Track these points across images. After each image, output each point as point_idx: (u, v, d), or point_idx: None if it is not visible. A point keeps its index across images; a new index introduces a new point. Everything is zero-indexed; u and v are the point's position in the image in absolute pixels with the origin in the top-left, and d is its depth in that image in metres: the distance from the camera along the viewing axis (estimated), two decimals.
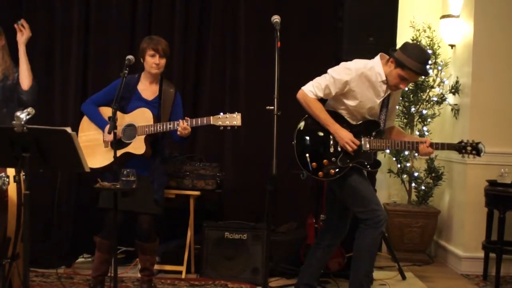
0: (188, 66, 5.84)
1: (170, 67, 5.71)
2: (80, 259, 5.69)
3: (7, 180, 4.25)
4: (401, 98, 6.25)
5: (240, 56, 5.78)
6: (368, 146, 4.29)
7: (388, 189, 6.68)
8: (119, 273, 4.21)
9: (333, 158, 4.30)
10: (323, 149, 4.33)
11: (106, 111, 4.54)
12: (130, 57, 4.32)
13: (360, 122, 4.33)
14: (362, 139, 4.30)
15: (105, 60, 5.72)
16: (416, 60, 4.10)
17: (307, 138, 4.36)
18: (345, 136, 4.25)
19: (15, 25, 4.53)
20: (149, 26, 5.77)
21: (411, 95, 6.24)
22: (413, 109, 6.27)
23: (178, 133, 4.36)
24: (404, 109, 6.29)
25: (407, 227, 6.19)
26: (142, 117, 4.42)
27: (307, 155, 4.30)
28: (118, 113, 4.45)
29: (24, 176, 3.63)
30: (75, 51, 5.71)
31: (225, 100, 5.81)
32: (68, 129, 3.39)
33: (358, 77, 4.21)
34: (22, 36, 4.54)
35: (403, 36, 6.09)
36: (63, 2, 5.73)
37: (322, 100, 4.35)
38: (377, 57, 4.31)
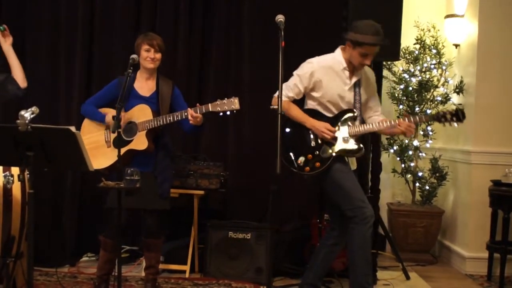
0: (192, 65, 5.84)
1: (174, 65, 5.75)
2: (84, 258, 5.69)
3: (12, 179, 4.27)
4: (405, 98, 6.25)
5: (244, 55, 5.79)
6: (346, 133, 4.36)
7: (392, 189, 6.68)
8: (123, 272, 4.22)
9: (316, 152, 4.37)
10: (305, 145, 4.40)
11: (105, 112, 4.54)
12: (134, 56, 4.31)
13: (335, 113, 4.41)
14: (340, 127, 4.37)
15: (109, 58, 5.73)
16: (368, 33, 4.23)
17: (288, 137, 4.44)
18: (320, 126, 4.34)
19: None
20: (153, 24, 5.77)
21: (415, 95, 6.23)
22: (417, 108, 6.26)
23: (190, 122, 4.37)
24: (408, 109, 6.28)
25: (411, 227, 6.18)
26: (141, 113, 4.43)
27: (291, 153, 4.38)
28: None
29: (28, 175, 3.64)
30: (79, 50, 5.72)
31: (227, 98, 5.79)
32: (72, 128, 3.40)
33: (321, 68, 4.36)
34: (6, 42, 4.55)
35: (408, 35, 6.11)
36: (68, 5, 5.75)
37: (300, 102, 4.47)
38: (338, 49, 4.45)
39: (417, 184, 6.37)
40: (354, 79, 4.40)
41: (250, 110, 5.61)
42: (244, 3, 5.79)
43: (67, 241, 5.58)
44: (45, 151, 3.40)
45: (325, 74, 4.37)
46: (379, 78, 5.56)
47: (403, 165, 6.36)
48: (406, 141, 6.30)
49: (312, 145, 4.39)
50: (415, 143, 6.29)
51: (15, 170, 4.27)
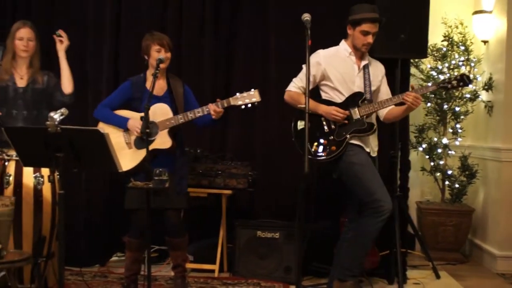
0: (218, 65, 5.85)
1: (200, 65, 5.76)
2: (114, 258, 5.74)
3: (42, 180, 4.33)
4: (433, 95, 6.20)
5: (270, 54, 5.77)
6: (357, 113, 4.46)
7: (421, 187, 6.62)
8: (152, 272, 4.24)
9: (330, 136, 4.48)
10: (319, 132, 4.51)
11: (120, 114, 4.56)
12: (161, 57, 4.35)
13: (345, 97, 4.53)
14: (351, 110, 4.47)
15: (135, 58, 5.75)
16: (365, 11, 4.45)
17: (300, 129, 4.55)
18: (330, 109, 4.47)
19: (54, 36, 4.66)
20: (180, 25, 5.80)
21: (444, 92, 6.18)
22: (445, 106, 6.21)
23: (213, 117, 4.39)
24: (436, 106, 6.23)
25: (441, 225, 6.13)
26: (160, 112, 4.44)
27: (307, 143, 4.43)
28: (133, 113, 4.49)
29: (58, 176, 3.68)
30: (106, 50, 5.77)
31: None
32: (101, 129, 3.43)
33: (326, 57, 4.54)
34: (62, 45, 4.68)
35: (435, 32, 6.06)
36: (95, 4, 5.80)
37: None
38: (341, 42, 4.65)
39: (447, 182, 6.31)
40: (362, 63, 4.55)
41: (277, 109, 5.60)
42: (269, 1, 5.78)
43: (96, 241, 5.62)
44: (74, 152, 3.44)
45: (332, 61, 4.53)
46: (407, 76, 5.54)
47: (432, 163, 6.30)
48: (435, 139, 6.25)
49: (326, 130, 4.51)
50: (444, 141, 6.23)
51: (45, 171, 4.33)
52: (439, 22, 6.24)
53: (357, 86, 4.52)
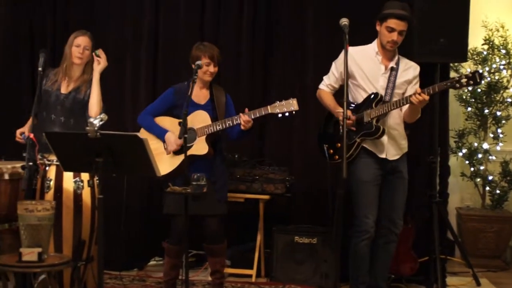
0: (255, 70, 5.86)
1: (238, 71, 5.78)
2: (152, 262, 5.78)
3: (82, 184, 4.38)
4: (473, 100, 6.11)
5: (308, 59, 5.76)
6: (368, 117, 4.42)
7: (461, 193, 6.52)
8: (190, 277, 4.26)
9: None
10: (335, 134, 4.54)
11: (161, 121, 4.59)
12: (199, 62, 4.37)
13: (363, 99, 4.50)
14: (364, 112, 4.43)
15: (173, 65, 5.80)
16: (392, 8, 4.37)
17: (323, 131, 4.70)
18: (339, 116, 4.38)
19: (93, 54, 4.62)
20: (217, 32, 5.83)
21: (484, 97, 6.09)
22: (486, 110, 6.12)
23: (242, 127, 4.39)
24: (477, 111, 6.14)
25: (481, 232, 6.03)
26: (200, 119, 4.46)
27: (325, 145, 4.58)
28: (174, 120, 4.53)
29: (97, 181, 3.72)
30: (144, 58, 5.84)
31: None
32: (140, 135, 3.46)
33: (354, 53, 4.46)
34: (98, 65, 4.60)
35: (475, 36, 5.96)
36: (134, 12, 5.88)
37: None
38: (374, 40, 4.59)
39: (487, 188, 6.22)
40: (389, 64, 4.47)
41: (315, 115, 5.57)
42: (307, 7, 5.76)
43: (135, 245, 5.67)
44: (113, 157, 3.47)
45: (358, 58, 4.47)
46: (446, 80, 5.47)
47: (472, 169, 6.21)
48: (476, 144, 6.16)
49: (340, 133, 4.44)
50: (485, 146, 6.14)
51: (85, 176, 4.38)
52: (479, 25, 6.15)
53: (380, 86, 4.46)
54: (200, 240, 4.75)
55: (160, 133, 4.54)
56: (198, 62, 4.35)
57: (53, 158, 4.29)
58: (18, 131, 4.59)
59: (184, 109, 4.05)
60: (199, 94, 4.58)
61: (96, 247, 4.05)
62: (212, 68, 4.50)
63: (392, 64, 4.48)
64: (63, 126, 4.54)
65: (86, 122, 4.67)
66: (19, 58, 5.96)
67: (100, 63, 4.60)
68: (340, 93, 4.60)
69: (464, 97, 6.17)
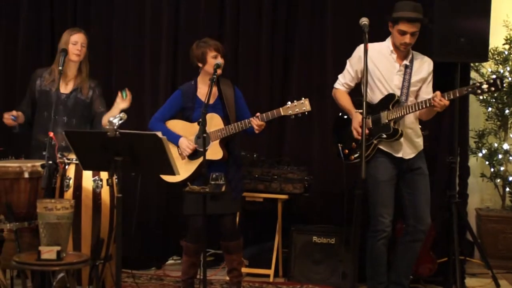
0: (275, 70, 5.85)
1: (258, 69, 5.78)
2: (169, 261, 5.80)
3: (101, 183, 4.40)
4: (494, 100, 6.07)
5: (328, 59, 5.74)
6: (386, 118, 4.38)
7: (480, 194, 6.47)
8: (208, 276, 4.27)
9: (359, 141, 4.40)
10: (350, 134, 4.48)
11: (172, 125, 4.58)
12: (219, 61, 4.37)
13: (381, 97, 4.46)
14: (381, 113, 4.40)
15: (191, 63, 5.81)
16: (403, 10, 4.33)
17: (338, 130, 4.68)
18: (354, 124, 4.41)
19: (119, 92, 4.65)
20: (237, 32, 5.83)
21: (505, 97, 6.04)
22: (507, 111, 6.07)
23: (256, 131, 4.39)
24: (497, 111, 6.09)
25: (501, 233, 5.99)
26: (211, 123, 4.42)
27: (340, 145, 4.59)
28: (186, 123, 4.52)
29: (116, 180, 3.73)
30: (164, 55, 5.85)
31: (311, 102, 5.79)
32: (159, 134, 3.47)
33: (369, 52, 4.29)
34: (121, 104, 4.62)
35: (496, 36, 5.90)
36: (153, 7, 5.89)
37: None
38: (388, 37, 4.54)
39: (507, 189, 6.17)
40: (403, 62, 4.44)
41: (333, 114, 5.55)
42: (327, 6, 5.74)
43: (153, 244, 5.69)
44: (132, 156, 3.48)
45: (374, 57, 4.39)
46: (467, 80, 5.43)
47: (492, 169, 6.17)
48: (496, 145, 6.11)
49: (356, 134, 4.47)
50: (505, 146, 6.09)
51: (104, 175, 4.39)
52: (500, 24, 6.10)
53: (395, 85, 4.44)
54: (217, 240, 4.76)
55: (173, 139, 4.49)
56: (218, 62, 4.35)
57: (73, 156, 4.32)
58: (6, 113, 4.67)
59: (203, 109, 4.07)
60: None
61: (115, 245, 4.07)
62: (220, 59, 4.47)
63: (406, 62, 4.46)
64: (66, 126, 4.59)
65: (88, 122, 4.78)
66: (40, 59, 5.98)
67: (124, 103, 4.63)
68: (354, 92, 4.62)
69: (485, 97, 6.12)
